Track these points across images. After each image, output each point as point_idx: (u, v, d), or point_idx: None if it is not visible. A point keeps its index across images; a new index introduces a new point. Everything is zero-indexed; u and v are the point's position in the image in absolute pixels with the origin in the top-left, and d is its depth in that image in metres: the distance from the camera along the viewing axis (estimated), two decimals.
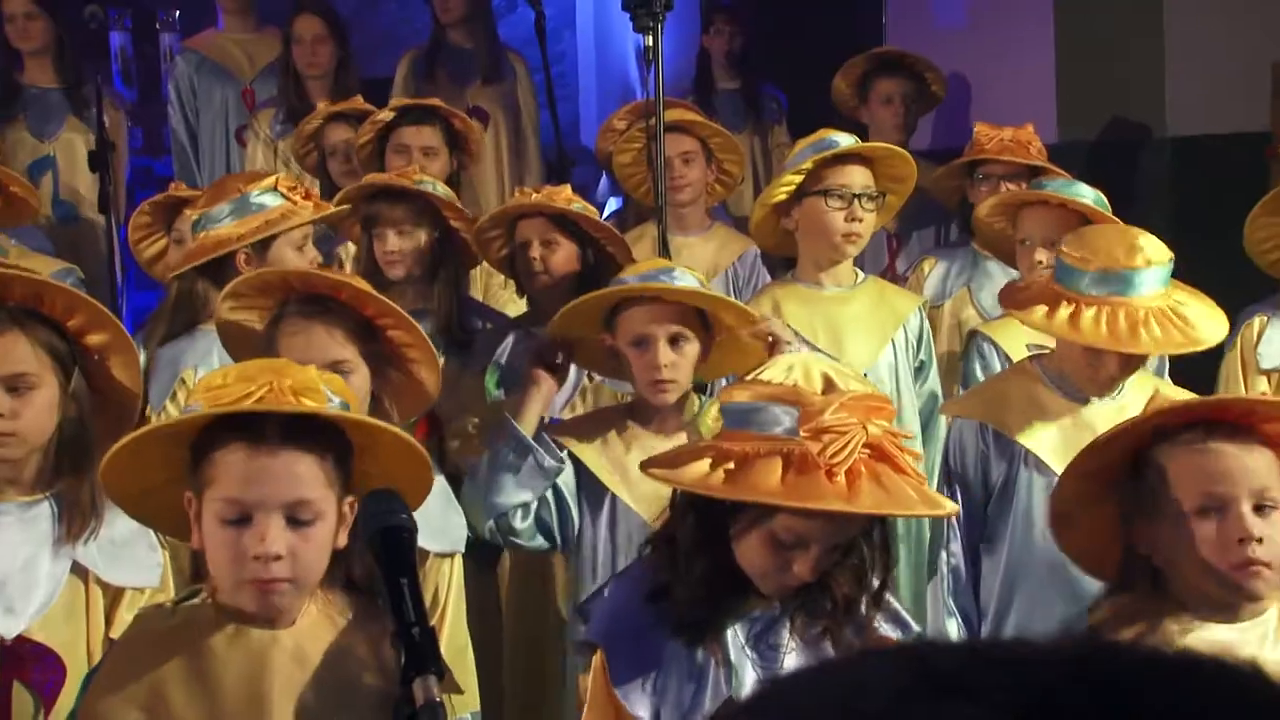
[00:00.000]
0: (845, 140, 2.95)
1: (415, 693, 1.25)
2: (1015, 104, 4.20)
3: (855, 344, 2.97)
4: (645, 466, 1.80)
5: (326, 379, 1.64)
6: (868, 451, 1.62)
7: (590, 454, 2.41)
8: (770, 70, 5.02)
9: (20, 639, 2.01)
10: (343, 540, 1.61)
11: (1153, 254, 2.35)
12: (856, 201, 2.89)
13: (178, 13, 5.57)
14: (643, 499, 2.36)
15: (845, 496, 1.60)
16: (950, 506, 1.91)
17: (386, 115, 3.64)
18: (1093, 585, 1.92)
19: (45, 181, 4.10)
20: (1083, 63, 4.34)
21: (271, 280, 2.32)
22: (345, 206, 3.06)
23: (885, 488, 1.61)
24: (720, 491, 1.66)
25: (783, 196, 2.98)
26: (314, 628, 1.61)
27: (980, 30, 4.69)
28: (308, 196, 2.87)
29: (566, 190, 3.11)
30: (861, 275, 3.08)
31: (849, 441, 1.60)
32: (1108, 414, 2.37)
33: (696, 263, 3.60)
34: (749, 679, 1.67)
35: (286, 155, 4.33)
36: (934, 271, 3.51)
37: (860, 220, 2.90)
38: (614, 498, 2.40)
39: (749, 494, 1.64)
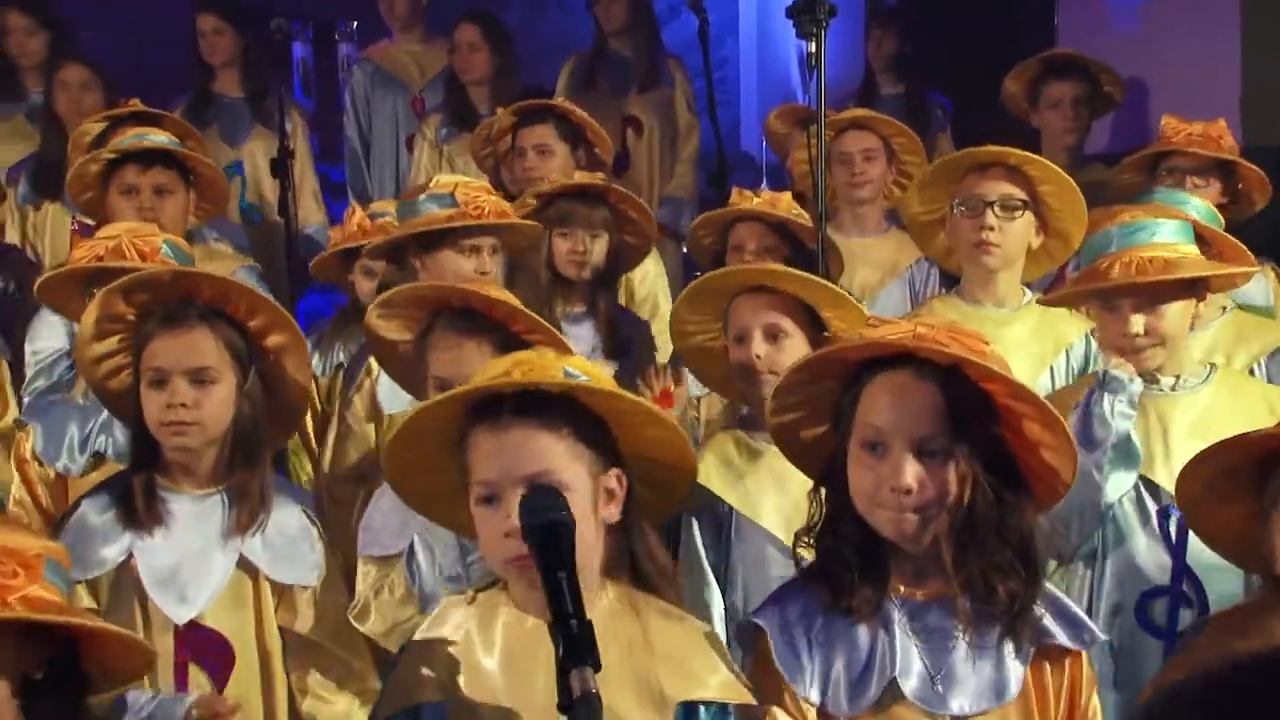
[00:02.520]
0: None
1: (572, 684, 1.28)
2: (1197, 108, 4.02)
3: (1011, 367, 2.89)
4: None
5: (573, 361, 1.65)
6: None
7: (716, 480, 2.38)
8: (936, 76, 4.93)
9: (192, 624, 2.13)
10: (614, 515, 1.61)
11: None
12: (989, 210, 2.80)
13: (355, 24, 5.78)
14: (768, 514, 2.34)
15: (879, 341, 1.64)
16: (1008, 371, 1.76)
17: (507, 122, 3.68)
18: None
19: (234, 186, 4.31)
20: (1272, 65, 4.13)
21: (427, 295, 2.38)
22: (513, 220, 2.97)
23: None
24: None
25: (923, 210, 2.94)
26: (610, 617, 1.59)
27: (1159, 32, 4.51)
28: (482, 210, 2.82)
29: (787, 197, 3.12)
30: (1029, 295, 2.93)
31: (895, 325, 1.65)
32: (1184, 405, 2.39)
33: (875, 263, 3.58)
34: (915, 665, 1.65)
35: (451, 158, 4.46)
36: None
37: (993, 229, 2.79)
38: (737, 517, 2.38)
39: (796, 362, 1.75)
